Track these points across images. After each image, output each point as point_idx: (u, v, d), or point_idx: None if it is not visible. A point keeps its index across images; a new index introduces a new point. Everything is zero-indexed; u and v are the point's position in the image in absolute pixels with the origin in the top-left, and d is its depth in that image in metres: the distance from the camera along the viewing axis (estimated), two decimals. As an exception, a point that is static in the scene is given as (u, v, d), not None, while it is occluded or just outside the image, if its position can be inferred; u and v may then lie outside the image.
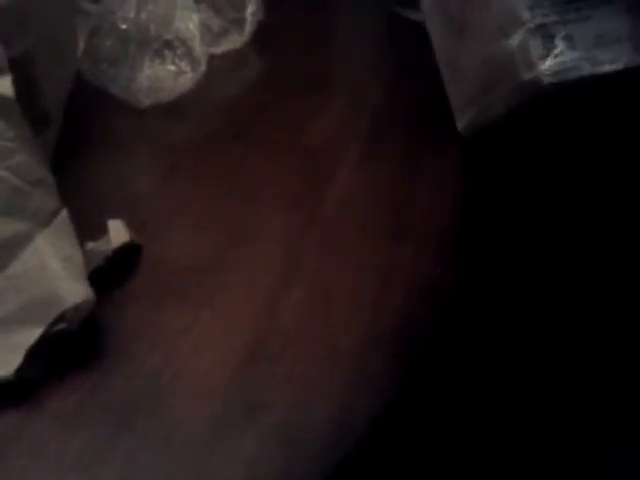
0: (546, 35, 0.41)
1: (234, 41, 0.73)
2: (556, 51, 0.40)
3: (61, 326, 0.34)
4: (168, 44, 0.65)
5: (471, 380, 0.53)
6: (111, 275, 0.41)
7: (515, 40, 0.42)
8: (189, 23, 0.67)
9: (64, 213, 0.36)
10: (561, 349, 0.61)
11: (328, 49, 0.73)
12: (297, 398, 0.36)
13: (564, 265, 0.60)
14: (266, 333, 0.39)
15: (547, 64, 0.41)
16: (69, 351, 0.36)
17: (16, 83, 0.37)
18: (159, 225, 0.47)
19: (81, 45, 0.61)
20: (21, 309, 0.34)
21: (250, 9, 0.73)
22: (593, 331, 0.59)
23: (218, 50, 0.72)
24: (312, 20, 0.78)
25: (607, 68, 0.40)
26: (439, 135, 0.58)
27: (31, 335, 0.33)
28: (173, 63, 0.64)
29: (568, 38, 0.40)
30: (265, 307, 0.40)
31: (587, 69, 0.40)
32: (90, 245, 0.40)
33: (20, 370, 0.33)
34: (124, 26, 0.60)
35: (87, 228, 0.40)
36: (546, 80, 0.41)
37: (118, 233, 0.42)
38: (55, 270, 0.35)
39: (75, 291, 0.35)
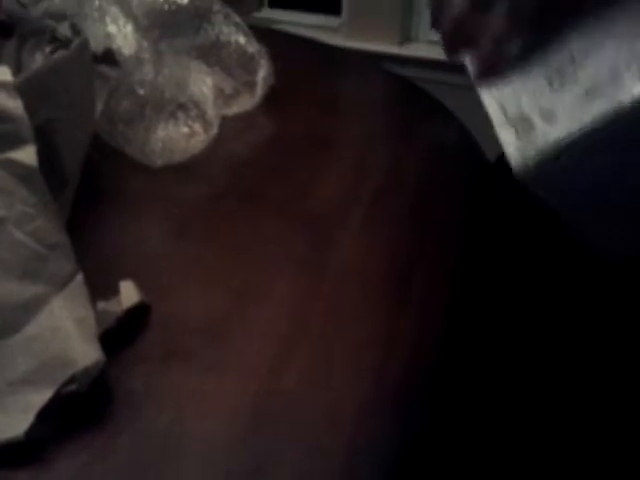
0: None
1: (245, 103, 0.76)
2: None
3: (72, 387, 0.35)
4: (182, 106, 0.67)
5: (470, 446, 0.54)
6: (121, 334, 0.42)
7: None
8: (203, 86, 0.70)
9: (79, 277, 0.38)
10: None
11: (334, 113, 0.76)
12: (299, 462, 0.36)
13: (553, 329, 0.61)
14: (270, 395, 0.39)
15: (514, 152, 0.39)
16: (79, 411, 0.36)
17: (38, 150, 0.39)
18: (169, 285, 0.48)
19: (99, 107, 0.64)
20: (34, 371, 0.35)
21: (261, 73, 0.76)
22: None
23: (230, 112, 0.75)
24: (319, 85, 0.81)
25: (587, 128, 0.37)
26: (441, 202, 0.60)
27: (42, 396, 0.35)
28: (186, 125, 0.67)
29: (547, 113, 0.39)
30: (270, 369, 0.41)
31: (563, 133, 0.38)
32: (102, 305, 0.42)
33: (30, 430, 0.34)
34: (141, 90, 0.62)
35: (100, 286, 0.41)
36: (518, 166, 0.39)
37: (129, 294, 0.43)
38: (68, 332, 0.36)
39: (86, 353, 0.36)
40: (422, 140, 0.71)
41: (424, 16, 1.89)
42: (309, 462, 0.36)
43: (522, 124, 0.39)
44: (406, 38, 1.89)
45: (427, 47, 1.87)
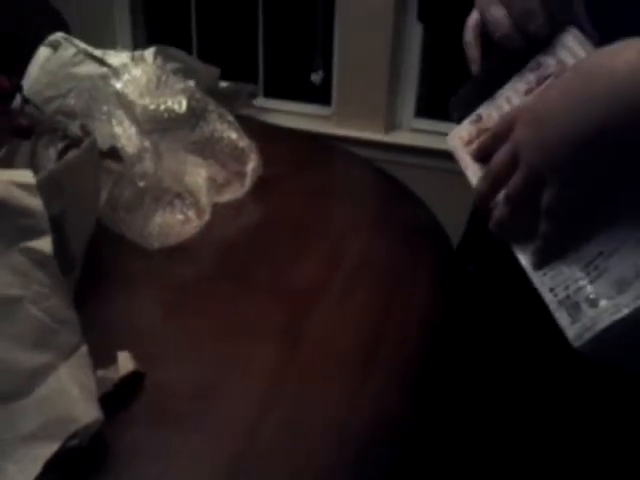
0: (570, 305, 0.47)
1: (236, 192, 0.84)
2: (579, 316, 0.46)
3: (74, 441, 0.41)
4: (178, 195, 0.76)
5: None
6: (117, 398, 0.48)
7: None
8: (197, 177, 0.79)
9: (84, 348, 0.44)
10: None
11: (316, 201, 0.84)
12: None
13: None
14: (245, 455, 0.45)
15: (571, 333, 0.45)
16: (80, 463, 0.42)
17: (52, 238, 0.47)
18: (161, 355, 0.54)
19: (103, 196, 0.72)
20: (42, 427, 0.41)
21: (251, 165, 0.85)
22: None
23: (221, 199, 0.83)
24: (304, 175, 0.90)
25: (625, 311, 0.43)
26: (408, 281, 0.67)
27: (49, 449, 0.40)
28: (181, 212, 0.75)
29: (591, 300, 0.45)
30: (246, 431, 0.47)
31: (606, 319, 0.44)
32: (101, 372, 0.48)
33: (39, 479, 0.39)
34: (142, 183, 0.70)
35: (98, 356, 0.48)
36: (576, 345, 0.45)
37: (125, 363, 0.49)
38: (72, 394, 0.42)
39: (88, 412, 0.42)
40: (394, 225, 0.79)
41: (408, 105, 2.03)
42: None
43: (572, 308, 0.45)
44: (391, 126, 2.02)
45: (410, 135, 2.00)
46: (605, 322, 0.43)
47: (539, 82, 0.54)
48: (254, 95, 1.95)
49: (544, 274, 0.48)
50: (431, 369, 0.58)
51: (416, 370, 0.56)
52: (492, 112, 0.57)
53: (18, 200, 0.45)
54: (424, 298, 0.65)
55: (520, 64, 0.57)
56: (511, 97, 0.56)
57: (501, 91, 0.58)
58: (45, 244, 0.44)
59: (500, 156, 0.50)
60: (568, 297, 0.46)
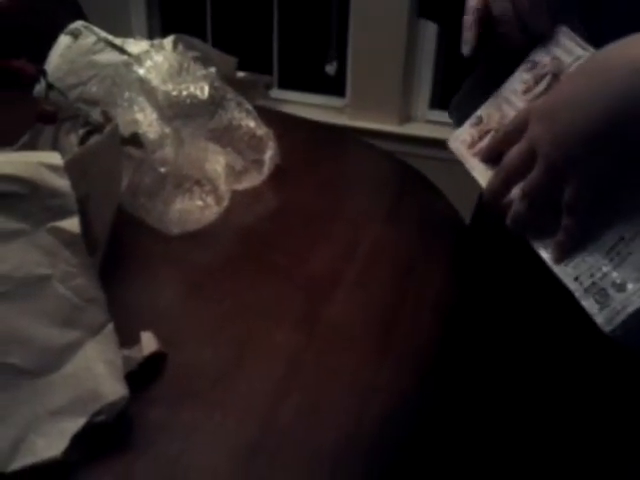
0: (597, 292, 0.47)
1: (253, 179, 0.85)
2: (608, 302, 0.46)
3: (100, 417, 0.42)
4: (197, 182, 0.77)
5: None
6: (141, 377, 0.49)
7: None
8: (216, 165, 0.80)
9: (110, 326, 0.45)
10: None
11: (332, 189, 0.85)
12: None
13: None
14: (266, 431, 0.46)
15: (601, 319, 0.46)
16: (105, 438, 0.43)
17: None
18: (182, 336, 0.55)
19: (124, 182, 0.73)
20: (70, 402, 0.42)
21: (268, 153, 0.86)
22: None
23: (239, 187, 0.84)
24: (321, 164, 0.90)
25: None
26: (423, 269, 0.68)
27: (76, 424, 0.42)
28: (201, 199, 0.75)
29: (618, 285, 0.45)
30: (266, 409, 0.48)
31: (636, 302, 0.44)
32: (126, 352, 0.49)
33: (66, 452, 0.41)
34: (162, 169, 0.71)
35: (122, 336, 0.49)
36: (607, 330, 0.45)
37: (149, 343, 0.50)
38: (99, 371, 0.43)
39: (114, 389, 0.43)
40: (410, 213, 0.80)
41: (422, 97, 2.03)
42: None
43: (599, 294, 0.46)
44: (406, 117, 2.02)
45: (425, 126, 2.00)
46: (635, 305, 0.44)
47: (536, 81, 0.55)
48: (269, 86, 1.96)
49: (566, 265, 0.49)
50: (446, 354, 0.58)
51: (431, 355, 0.56)
52: (492, 113, 0.58)
53: (47, 181, 0.46)
54: (439, 286, 0.66)
55: (515, 60, 0.57)
56: (510, 97, 0.57)
57: (498, 92, 0.58)
58: (73, 224, 0.45)
59: (514, 153, 0.50)
60: (594, 284, 0.47)
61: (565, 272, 0.49)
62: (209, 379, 0.51)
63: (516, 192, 0.51)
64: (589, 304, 0.47)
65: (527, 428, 0.67)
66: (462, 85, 0.69)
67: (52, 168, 0.47)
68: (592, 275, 0.47)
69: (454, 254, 0.72)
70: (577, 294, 0.47)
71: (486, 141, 0.57)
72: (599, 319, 0.46)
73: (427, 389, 0.54)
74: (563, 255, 0.49)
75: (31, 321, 0.43)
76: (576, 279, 0.48)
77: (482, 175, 0.56)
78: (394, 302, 0.62)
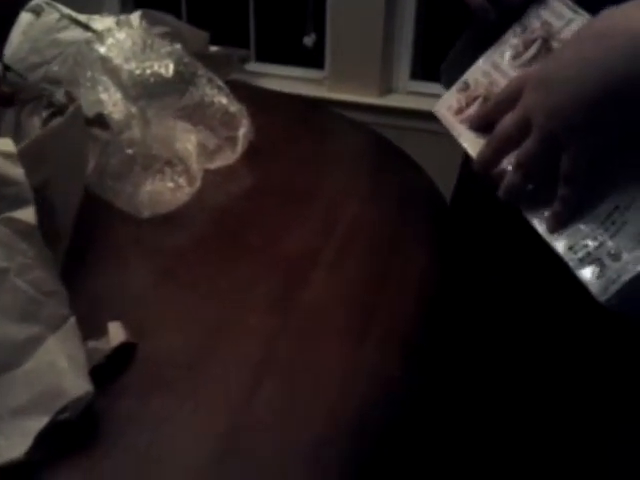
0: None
1: (227, 158, 0.83)
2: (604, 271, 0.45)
3: (65, 415, 0.41)
4: (168, 162, 0.74)
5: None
6: (109, 369, 0.47)
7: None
8: (187, 144, 0.77)
9: (72, 320, 0.43)
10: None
11: (309, 167, 0.82)
12: None
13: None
14: (239, 422, 0.45)
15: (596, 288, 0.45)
16: (71, 436, 0.42)
17: (36, 208, 0.45)
18: (152, 325, 0.53)
19: (91, 164, 0.70)
20: (32, 400, 0.41)
21: (242, 130, 0.83)
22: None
23: (212, 165, 0.81)
24: (296, 140, 0.88)
25: None
26: (404, 246, 0.66)
27: (40, 422, 0.40)
28: (172, 180, 0.73)
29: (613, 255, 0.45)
30: (240, 399, 0.46)
31: (631, 270, 0.44)
32: (92, 344, 0.47)
33: (29, 452, 0.39)
34: (130, 150, 0.69)
35: (89, 327, 0.47)
36: (603, 299, 0.44)
37: (116, 334, 0.49)
38: (62, 367, 0.42)
39: (78, 385, 0.41)
40: (389, 190, 0.78)
41: (403, 68, 1.99)
42: None
43: (595, 264, 0.45)
44: (386, 89, 1.99)
45: (406, 97, 1.97)
46: (630, 273, 0.43)
47: (526, 46, 0.54)
48: (246, 60, 1.92)
49: (560, 235, 0.48)
50: (430, 335, 0.57)
51: (414, 336, 0.55)
52: (479, 78, 0.56)
53: (-1, 169, 0.43)
54: (421, 264, 0.64)
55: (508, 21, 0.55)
56: (498, 63, 0.55)
57: (485, 56, 0.57)
58: (28, 214, 0.43)
59: (507, 122, 0.49)
60: (589, 254, 0.46)
61: (559, 242, 0.48)
62: (180, 367, 0.49)
63: (508, 162, 0.50)
64: (584, 273, 0.46)
65: (515, 411, 0.66)
66: (452, 48, 0.66)
67: (4, 156, 0.44)
68: (587, 245, 0.46)
69: (435, 231, 0.71)
70: (571, 264, 0.46)
71: (474, 108, 0.55)
72: (594, 288, 0.45)
73: (411, 373, 0.52)
74: (559, 225, 0.48)
75: (-12, 317, 0.41)
76: (570, 249, 0.47)
77: (471, 143, 0.54)
78: (375, 282, 0.60)
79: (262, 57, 2.16)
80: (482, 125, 0.53)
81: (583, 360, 0.61)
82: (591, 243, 0.46)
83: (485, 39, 0.58)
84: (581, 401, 0.62)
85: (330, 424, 0.45)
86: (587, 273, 0.46)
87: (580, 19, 0.50)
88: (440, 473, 0.63)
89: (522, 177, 0.49)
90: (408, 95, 1.97)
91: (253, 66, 2.10)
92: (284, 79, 2.07)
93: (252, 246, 0.65)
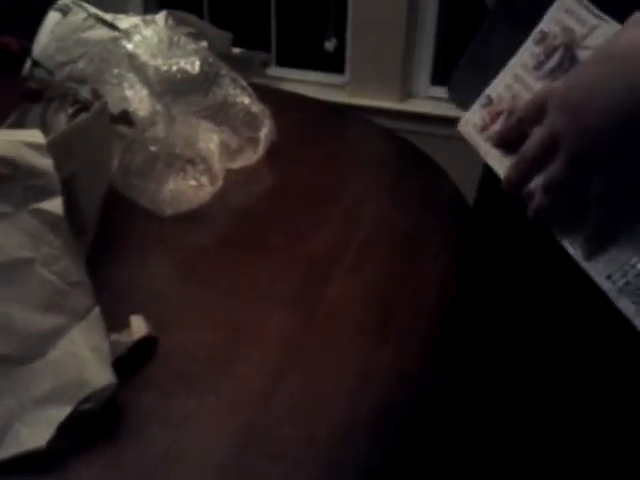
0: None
1: (249, 158, 0.83)
2: None
3: (87, 406, 0.41)
4: (191, 161, 0.74)
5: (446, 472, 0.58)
6: (131, 362, 0.47)
7: None
8: (210, 143, 0.77)
9: (97, 310, 0.43)
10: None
11: (331, 169, 0.82)
12: (285, 477, 0.41)
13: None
14: (260, 418, 0.45)
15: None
16: (93, 427, 0.42)
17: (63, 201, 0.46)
18: (174, 320, 0.54)
19: (115, 162, 0.71)
20: (55, 390, 0.41)
21: (264, 130, 0.84)
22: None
23: (234, 165, 0.81)
24: (318, 141, 0.88)
25: None
26: (425, 249, 0.66)
27: (62, 412, 0.40)
28: (194, 178, 0.73)
29: None
30: (260, 395, 0.46)
31: None
32: (114, 336, 0.47)
33: (52, 442, 0.39)
34: (153, 148, 0.69)
35: (111, 321, 0.47)
36: None
37: (138, 327, 0.49)
38: (85, 358, 0.42)
39: (101, 376, 0.41)
40: (411, 192, 0.77)
41: (424, 73, 1.99)
42: (293, 475, 0.41)
43: (636, 295, 0.44)
44: (406, 94, 1.99)
45: (426, 103, 1.97)
46: None
47: (547, 55, 0.52)
48: (267, 63, 1.93)
49: (596, 261, 0.46)
50: (449, 335, 0.56)
51: (434, 336, 0.55)
52: (502, 93, 0.55)
53: (28, 160, 0.44)
54: (442, 266, 0.64)
55: (514, 29, 0.54)
56: (520, 74, 0.53)
57: (507, 68, 0.55)
58: (56, 205, 0.44)
59: (534, 143, 0.48)
60: (628, 283, 0.44)
61: (596, 270, 0.46)
62: (202, 364, 0.49)
63: (537, 182, 0.48)
64: (625, 305, 0.44)
65: (532, 412, 0.65)
66: (460, 59, 0.66)
67: (34, 147, 0.45)
68: (626, 274, 0.44)
69: (457, 235, 0.70)
70: (611, 295, 0.45)
71: (499, 125, 0.54)
72: (638, 322, 0.43)
73: (430, 371, 0.52)
74: (593, 251, 0.46)
75: (13, 306, 0.41)
76: (609, 277, 0.45)
77: (498, 162, 0.53)
78: (395, 283, 0.60)
79: (283, 62, 2.17)
80: (506, 142, 0.52)
81: (603, 361, 0.60)
82: (630, 272, 0.44)
83: (492, 47, 0.57)
84: (595, 399, 0.61)
85: (350, 420, 0.45)
86: (628, 305, 0.44)
87: (605, 26, 0.48)
88: (457, 468, 0.62)
89: (551, 200, 0.47)
90: (428, 100, 1.97)
91: (274, 70, 2.11)
92: (305, 84, 2.07)
93: (273, 246, 0.65)
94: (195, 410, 0.45)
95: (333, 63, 2.10)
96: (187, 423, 0.44)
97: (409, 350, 0.52)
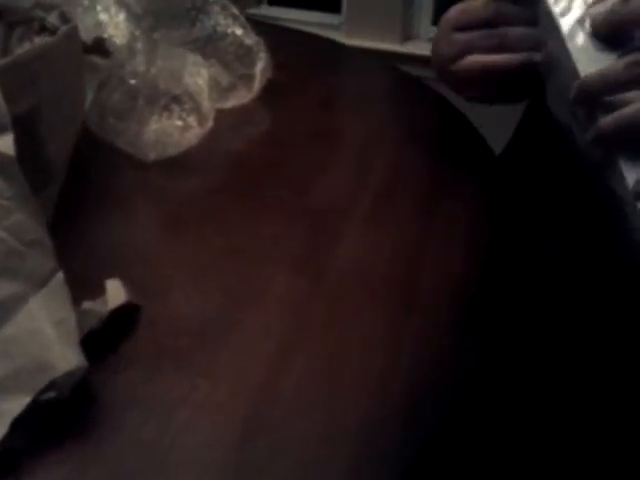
0: None
1: (242, 97, 0.73)
2: None
3: (51, 394, 0.33)
4: (176, 99, 0.65)
5: (482, 456, 0.51)
6: (106, 337, 0.39)
7: None
8: (198, 78, 0.67)
9: (59, 275, 0.35)
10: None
11: (334, 107, 0.73)
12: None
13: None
14: (266, 404, 0.37)
15: None
16: (57, 420, 0.34)
17: (19, 140, 0.37)
18: (159, 285, 0.45)
19: (89, 98, 0.61)
20: (10, 376, 0.33)
21: (259, 66, 0.74)
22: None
23: (226, 105, 0.72)
24: (319, 79, 0.78)
25: None
26: (447, 198, 0.57)
27: (18, 404, 0.32)
28: (180, 118, 0.64)
29: None
30: (267, 375, 0.38)
31: None
32: (86, 305, 0.39)
33: (5, 440, 0.31)
34: (133, 81, 0.60)
35: (86, 286, 0.39)
36: None
37: (115, 294, 0.40)
38: (47, 335, 0.33)
39: (67, 358, 0.33)
40: (426, 135, 0.69)
41: (426, 13, 1.87)
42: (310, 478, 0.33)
43: None
44: (408, 36, 1.87)
45: (428, 45, 1.85)
46: None
47: None
48: (258, 1, 1.81)
49: None
50: (482, 302, 0.48)
51: (466, 304, 0.47)
52: None
53: (-32, 86, 0.34)
54: (469, 218, 0.55)
55: None
56: None
57: None
58: (5, 144, 0.34)
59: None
60: None
61: None
62: (193, 338, 0.41)
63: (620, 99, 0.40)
64: None
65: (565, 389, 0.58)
66: None
67: (-24, 70, 0.35)
68: None
69: (483, 184, 0.61)
70: None
71: (606, 5, 0.42)
72: None
73: (466, 345, 0.44)
74: None
75: (-46, 271, 0.33)
76: None
77: (583, 55, 0.42)
78: (416, 240, 0.51)
79: (274, 0, 2.04)
80: (609, 34, 0.42)
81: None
82: None
83: None
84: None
85: (378, 404, 0.37)
86: None
87: None
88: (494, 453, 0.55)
89: (632, 125, 0.39)
90: (430, 42, 1.85)
91: (265, 9, 1.98)
92: (298, 24, 1.94)
93: (274, 196, 0.57)
94: (186, 396, 0.37)
95: (328, 2, 1.97)
96: (176, 412, 0.36)
97: (442, 320, 0.44)
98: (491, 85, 0.55)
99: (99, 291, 0.41)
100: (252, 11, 1.73)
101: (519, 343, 0.56)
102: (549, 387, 0.58)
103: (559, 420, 0.58)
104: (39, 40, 0.59)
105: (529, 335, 0.58)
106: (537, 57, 0.49)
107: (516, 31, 0.51)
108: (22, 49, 0.60)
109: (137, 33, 0.59)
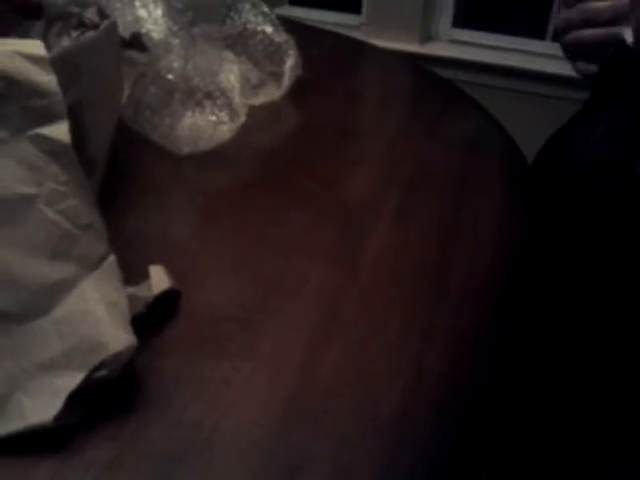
0: None
1: (272, 93, 0.75)
2: None
3: (102, 373, 0.34)
4: (209, 95, 0.66)
5: (520, 442, 0.51)
6: (150, 321, 0.40)
7: None
8: (230, 75, 0.69)
9: (111, 258, 0.36)
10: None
11: (363, 104, 0.74)
12: (337, 458, 0.34)
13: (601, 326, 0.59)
14: (306, 388, 0.38)
15: None
16: (107, 399, 0.35)
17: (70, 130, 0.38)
18: (198, 272, 0.46)
19: (125, 92, 0.62)
20: (63, 354, 0.34)
21: (289, 63, 0.75)
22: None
23: (256, 101, 0.73)
24: (347, 77, 0.79)
25: None
26: (475, 194, 0.58)
27: (72, 381, 0.33)
28: (213, 113, 0.65)
29: None
30: (304, 361, 0.39)
31: None
32: (131, 290, 0.40)
33: (59, 416, 0.32)
34: (170, 76, 0.61)
35: (127, 273, 0.40)
36: None
37: (159, 279, 0.42)
38: (99, 316, 0.35)
39: (118, 338, 0.34)
40: (453, 133, 0.69)
41: (446, 14, 1.87)
42: (349, 458, 0.34)
43: None
44: (427, 37, 1.87)
45: (448, 46, 1.85)
46: None
47: None
48: (280, 2, 1.82)
49: None
50: (514, 294, 0.49)
51: (496, 295, 0.47)
52: None
53: (27, 75, 0.35)
54: (498, 213, 0.56)
55: None
56: None
57: None
58: (61, 131, 0.36)
59: None
60: None
61: None
62: (233, 322, 0.42)
63: None
64: None
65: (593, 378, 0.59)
66: None
67: (34, 59, 0.36)
68: None
69: (512, 184, 0.62)
70: None
71: None
72: None
73: (499, 335, 0.45)
74: None
75: (12, 252, 0.34)
76: None
77: None
78: (447, 234, 0.52)
79: (295, 0, 2.05)
80: None
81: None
82: None
83: None
84: None
85: (411, 389, 0.38)
86: None
87: None
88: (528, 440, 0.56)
89: None
90: (450, 43, 1.85)
91: (285, 10, 1.99)
92: (319, 25, 1.96)
93: (304, 190, 0.58)
94: (229, 378, 0.38)
95: (349, 2, 1.98)
96: (220, 393, 0.37)
97: (474, 311, 0.45)
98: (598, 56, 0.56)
99: (138, 278, 0.42)
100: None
101: (551, 335, 0.57)
102: (580, 380, 0.59)
103: (586, 414, 0.58)
104: (77, 35, 0.60)
105: (560, 327, 0.58)
106: (620, 30, 0.50)
107: (600, 5, 0.52)
108: (60, 44, 0.62)
109: (174, 28, 0.60)
